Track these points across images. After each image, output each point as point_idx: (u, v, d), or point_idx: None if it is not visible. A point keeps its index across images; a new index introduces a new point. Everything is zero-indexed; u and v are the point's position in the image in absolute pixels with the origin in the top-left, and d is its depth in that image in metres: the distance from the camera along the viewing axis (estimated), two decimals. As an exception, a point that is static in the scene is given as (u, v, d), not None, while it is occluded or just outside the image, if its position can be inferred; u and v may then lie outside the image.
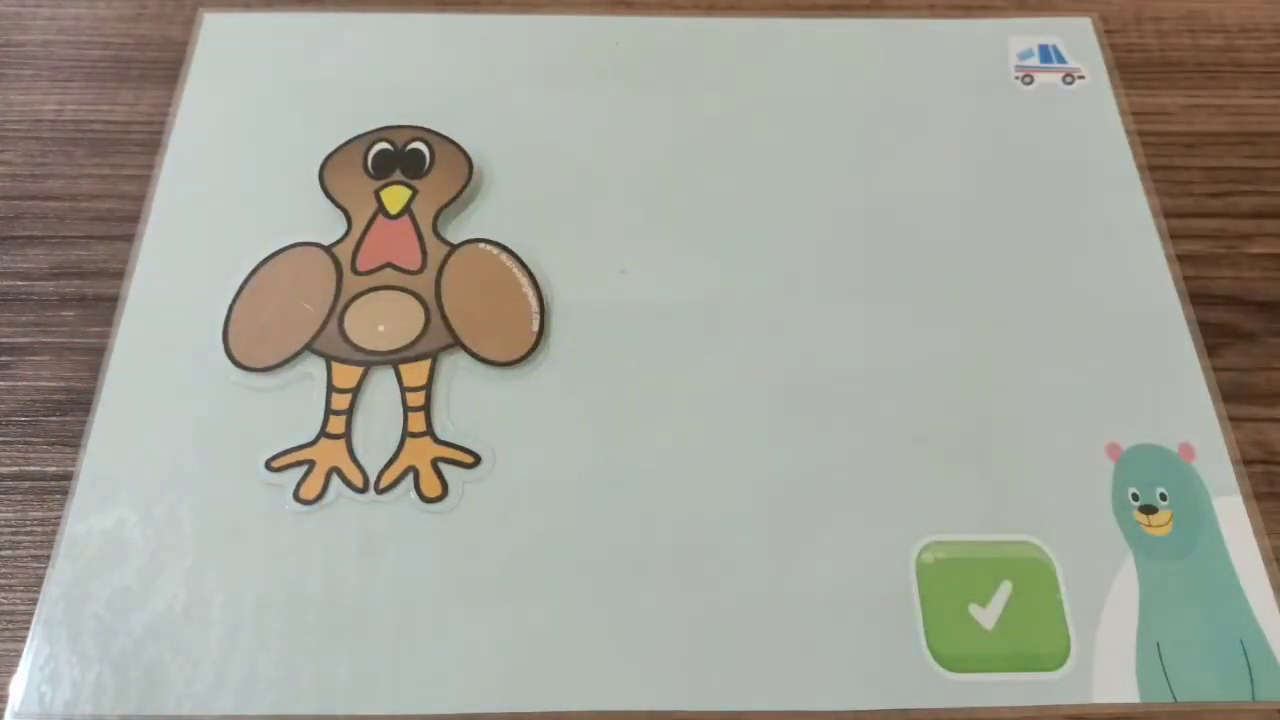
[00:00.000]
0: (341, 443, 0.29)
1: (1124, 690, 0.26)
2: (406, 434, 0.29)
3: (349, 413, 0.29)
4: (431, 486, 0.28)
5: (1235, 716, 0.26)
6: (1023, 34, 0.38)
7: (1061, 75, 0.37)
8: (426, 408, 0.30)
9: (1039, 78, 0.37)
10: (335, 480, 0.28)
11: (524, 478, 0.29)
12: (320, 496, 0.28)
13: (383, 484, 0.28)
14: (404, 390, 0.30)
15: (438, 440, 0.29)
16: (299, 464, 0.29)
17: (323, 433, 0.29)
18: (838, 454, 0.29)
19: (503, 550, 0.28)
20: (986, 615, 0.27)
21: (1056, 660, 0.26)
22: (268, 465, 0.29)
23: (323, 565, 0.27)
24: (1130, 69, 0.38)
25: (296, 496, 0.28)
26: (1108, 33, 0.38)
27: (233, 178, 0.34)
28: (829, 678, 0.26)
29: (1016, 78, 0.37)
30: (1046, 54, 0.37)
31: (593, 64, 0.37)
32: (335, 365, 0.30)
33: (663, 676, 0.26)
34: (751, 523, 0.28)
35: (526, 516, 0.28)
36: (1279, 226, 0.34)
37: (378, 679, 0.26)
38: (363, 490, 0.28)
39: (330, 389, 0.30)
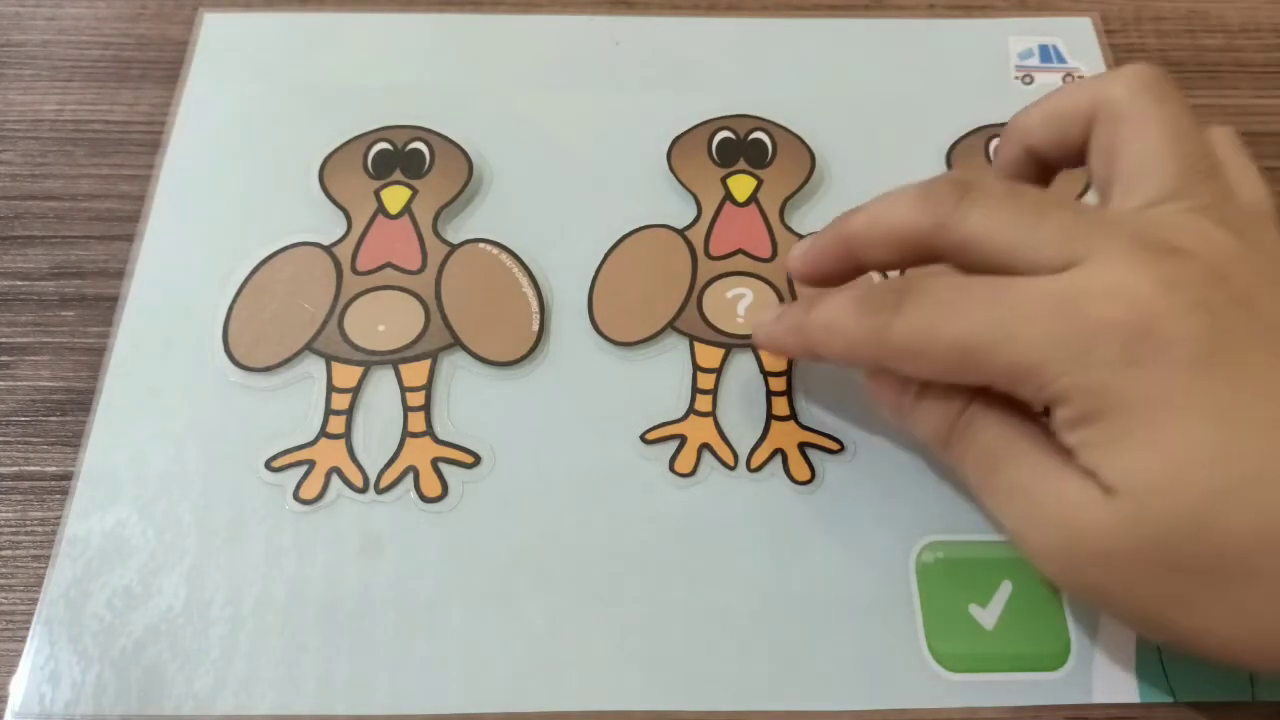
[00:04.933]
0: (341, 442, 0.29)
1: (1124, 690, 0.26)
2: (406, 434, 0.29)
3: (349, 412, 0.30)
4: (431, 486, 0.28)
5: (1235, 716, 0.26)
6: (1023, 34, 0.38)
7: (1061, 75, 0.37)
8: (426, 407, 0.30)
9: (1039, 78, 0.37)
10: (335, 480, 0.28)
11: (524, 477, 0.29)
12: (320, 496, 0.28)
13: (383, 484, 0.28)
14: (404, 390, 0.30)
15: (438, 440, 0.29)
16: (299, 464, 0.29)
17: (323, 432, 0.29)
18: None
19: (503, 550, 0.28)
20: (986, 615, 0.27)
21: (1056, 660, 0.26)
22: (268, 465, 0.29)
23: (323, 565, 0.27)
24: (1130, 69, 0.38)
25: (296, 496, 0.28)
26: (1108, 33, 0.38)
27: (233, 177, 0.34)
28: (829, 678, 0.26)
29: (1016, 78, 0.37)
30: (1046, 54, 0.37)
31: (593, 64, 0.37)
32: (335, 365, 0.30)
33: (663, 676, 0.26)
34: (752, 522, 0.28)
35: (527, 516, 0.28)
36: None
37: (378, 679, 0.26)
38: (363, 490, 0.28)
39: (330, 389, 0.30)
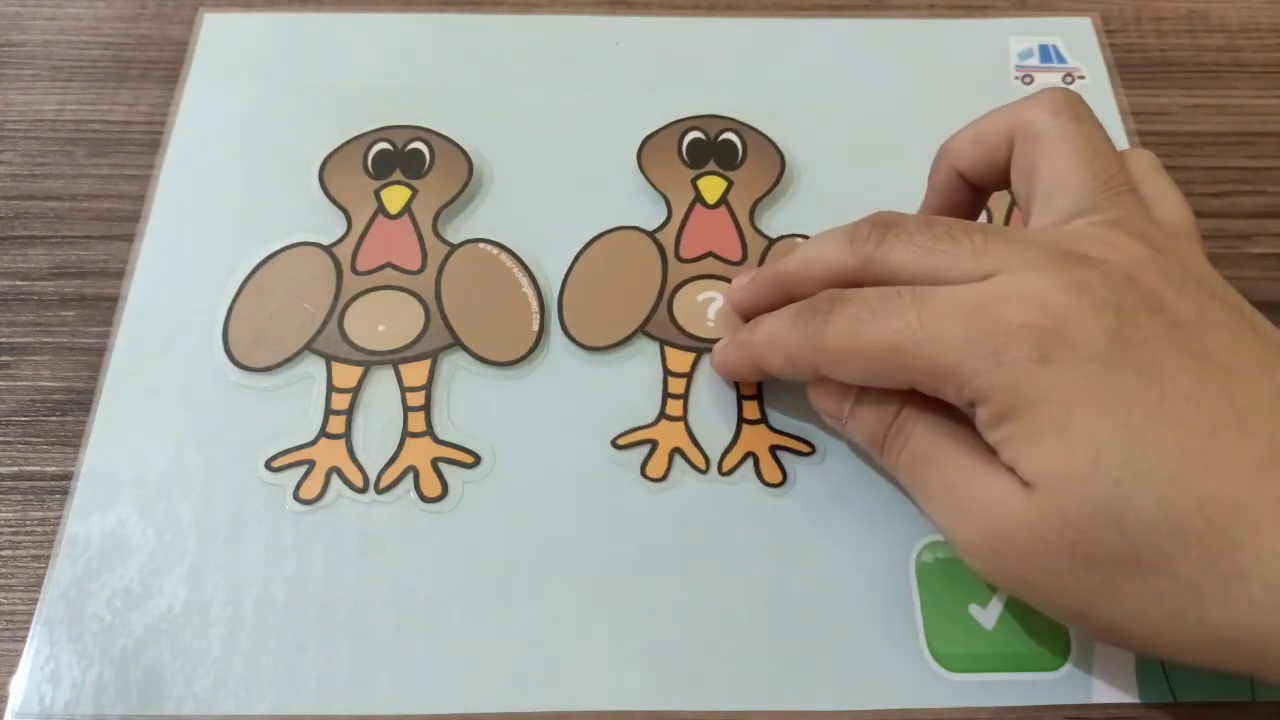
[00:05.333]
0: (341, 442, 0.29)
1: (1124, 690, 0.26)
2: (406, 434, 0.29)
3: (349, 412, 0.30)
4: (431, 486, 0.28)
5: (1235, 717, 0.26)
6: (1023, 34, 0.38)
7: (1061, 75, 0.37)
8: (426, 407, 0.30)
9: (1039, 78, 0.37)
10: (335, 480, 0.28)
11: (524, 477, 0.29)
12: (320, 496, 0.28)
13: (383, 484, 0.28)
14: (404, 390, 0.30)
15: (438, 440, 0.29)
16: (299, 464, 0.29)
17: (322, 432, 0.29)
18: (838, 452, 0.29)
19: (503, 550, 0.28)
20: (986, 615, 0.27)
21: (1056, 660, 0.26)
22: (268, 465, 0.29)
23: (323, 565, 0.27)
24: (1130, 69, 0.38)
25: (297, 496, 0.28)
26: (1108, 33, 0.38)
27: (233, 178, 0.34)
28: (829, 678, 0.26)
29: (1016, 78, 0.37)
30: (1046, 54, 0.38)
31: (593, 64, 0.37)
32: (335, 365, 0.30)
33: (663, 676, 0.26)
34: (752, 522, 0.28)
35: (527, 516, 0.28)
36: (1279, 226, 0.34)
37: (378, 679, 0.26)
38: (362, 490, 0.28)
39: (330, 389, 0.30)
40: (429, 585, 0.27)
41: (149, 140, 0.35)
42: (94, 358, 0.30)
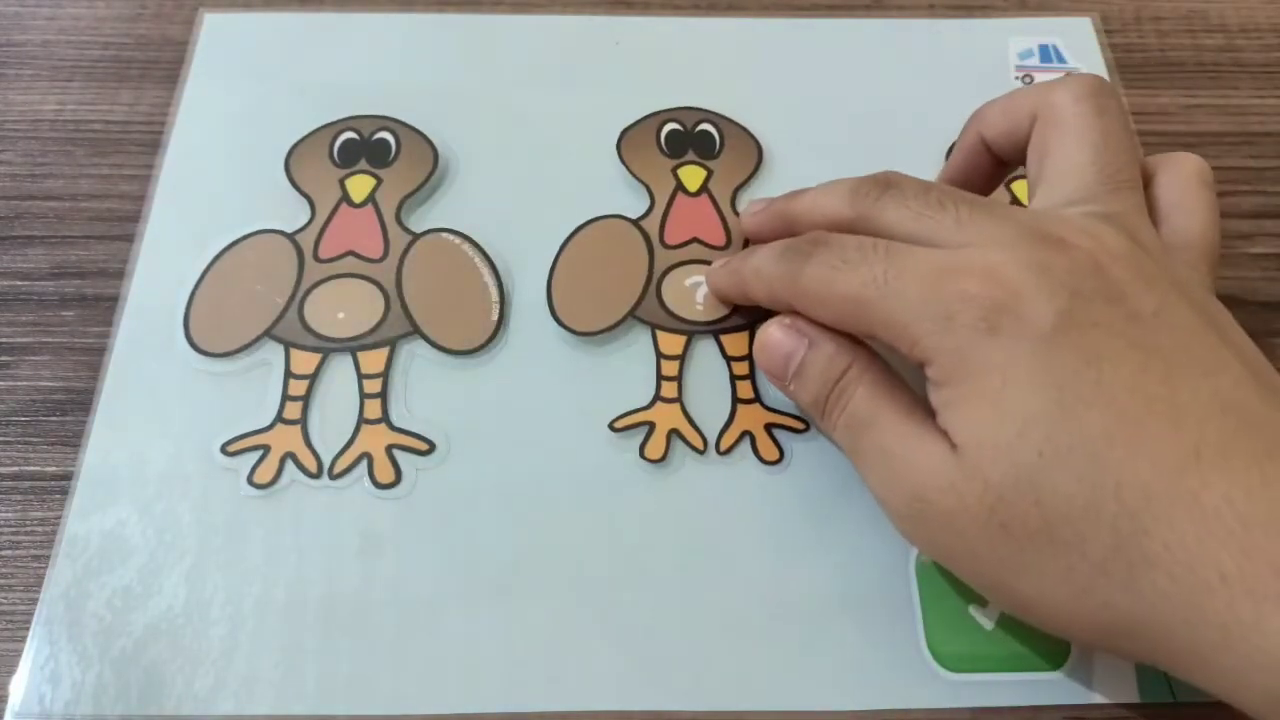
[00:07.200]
0: (297, 428, 0.29)
1: (1123, 690, 0.26)
2: (362, 420, 0.29)
3: (305, 399, 0.30)
4: (385, 473, 0.28)
5: (1234, 716, 0.26)
6: (1023, 34, 0.38)
7: (1062, 75, 0.37)
8: (383, 394, 0.30)
9: (1039, 78, 0.37)
10: (290, 465, 0.28)
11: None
12: (274, 481, 0.28)
13: (336, 470, 0.29)
14: (361, 377, 0.30)
15: (393, 427, 0.29)
16: (254, 449, 0.29)
17: (279, 418, 0.29)
18: (838, 451, 0.29)
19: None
20: (986, 615, 0.27)
21: (1056, 660, 0.26)
22: (223, 449, 0.29)
23: (323, 565, 0.27)
24: (1130, 69, 0.38)
25: (251, 481, 0.28)
26: (1108, 33, 0.38)
27: (233, 177, 0.34)
28: (829, 678, 0.26)
29: (1017, 78, 0.37)
30: (1046, 54, 0.38)
31: (593, 64, 0.37)
32: (294, 351, 0.30)
33: (663, 676, 0.26)
34: (751, 506, 0.28)
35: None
36: (1279, 226, 0.34)
37: (378, 679, 0.26)
38: (316, 476, 0.28)
39: (288, 375, 0.30)
40: (428, 583, 0.27)
41: (149, 140, 0.35)
42: (94, 358, 0.31)
